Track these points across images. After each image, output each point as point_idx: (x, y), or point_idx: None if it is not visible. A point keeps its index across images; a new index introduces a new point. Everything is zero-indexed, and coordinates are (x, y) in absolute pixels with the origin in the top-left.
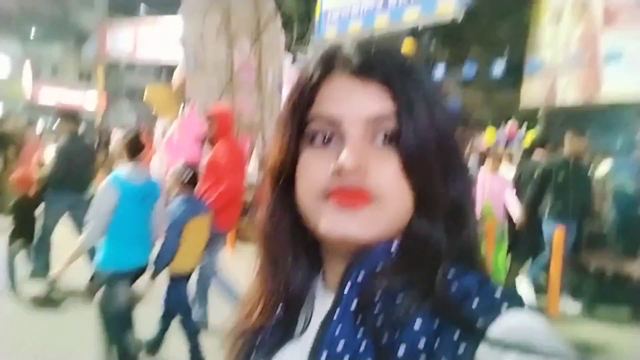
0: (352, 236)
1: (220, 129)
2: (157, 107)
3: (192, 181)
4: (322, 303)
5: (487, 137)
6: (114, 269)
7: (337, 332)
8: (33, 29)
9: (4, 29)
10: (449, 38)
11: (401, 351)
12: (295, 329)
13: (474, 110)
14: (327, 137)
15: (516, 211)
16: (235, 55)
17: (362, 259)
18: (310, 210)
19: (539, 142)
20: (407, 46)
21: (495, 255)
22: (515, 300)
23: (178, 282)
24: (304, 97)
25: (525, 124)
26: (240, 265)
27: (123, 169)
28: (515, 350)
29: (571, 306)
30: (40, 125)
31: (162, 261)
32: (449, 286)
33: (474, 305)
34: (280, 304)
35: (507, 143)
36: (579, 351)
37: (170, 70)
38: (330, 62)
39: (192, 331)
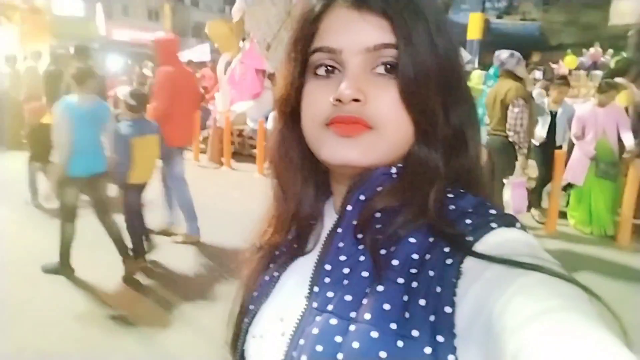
0: (352, 162)
1: (161, 55)
2: (219, 42)
3: (142, 104)
4: (330, 223)
5: (567, 63)
6: (79, 174)
7: (339, 245)
8: None
9: None
10: None
11: (395, 262)
12: (307, 245)
13: (555, 33)
14: (329, 68)
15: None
16: None
17: (364, 180)
18: (313, 138)
19: (621, 70)
20: None
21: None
22: (506, 219)
23: (133, 191)
24: (306, 30)
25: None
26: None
27: (73, 96)
28: (497, 263)
29: None
30: (116, 63)
31: (119, 174)
32: (446, 206)
33: (466, 223)
34: (293, 224)
35: (589, 69)
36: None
37: (233, 4)
38: None
39: (137, 231)
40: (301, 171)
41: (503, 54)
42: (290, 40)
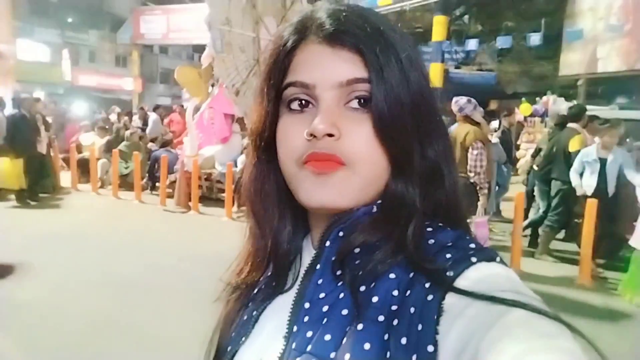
0: (329, 203)
1: None
2: (188, 87)
3: None
4: (309, 259)
5: (522, 111)
6: None
7: (318, 282)
8: (70, 18)
9: (43, 18)
10: (484, 10)
11: (375, 299)
12: (286, 283)
13: (510, 83)
14: (302, 102)
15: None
16: (262, 34)
17: (344, 218)
18: (291, 178)
19: (574, 116)
20: (439, 23)
21: None
22: (486, 254)
23: None
24: (279, 64)
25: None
26: None
27: None
28: (480, 299)
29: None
30: (82, 109)
31: None
32: (426, 240)
33: (446, 257)
34: (271, 261)
35: (543, 116)
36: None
37: (202, 52)
38: (303, 29)
39: None
40: (278, 206)
41: (461, 100)
42: (263, 74)
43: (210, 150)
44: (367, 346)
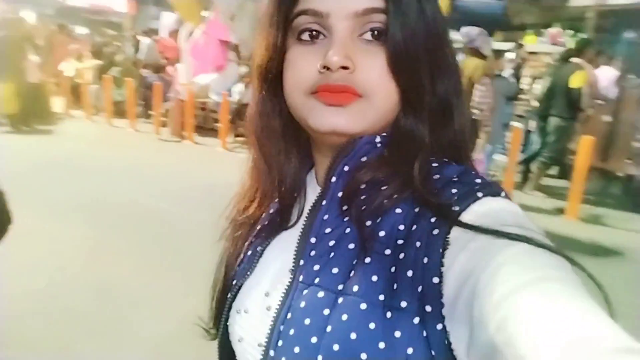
0: (341, 129)
1: None
2: (181, 11)
3: None
4: (313, 195)
5: (527, 42)
6: None
7: (324, 218)
8: None
9: None
10: None
11: (381, 233)
12: (289, 219)
13: (518, 13)
14: (314, 32)
15: None
16: None
17: (348, 150)
18: (298, 107)
19: (579, 50)
20: None
21: None
22: (491, 188)
23: None
24: None
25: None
26: None
27: None
28: (484, 233)
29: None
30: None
31: None
32: (431, 176)
33: (452, 192)
34: (275, 197)
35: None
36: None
37: None
38: None
39: None
40: (283, 140)
41: (472, 31)
42: (271, 3)
43: (205, 79)
44: (374, 278)
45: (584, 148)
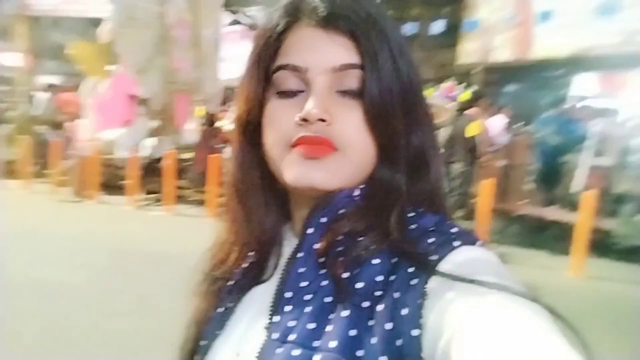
0: (318, 184)
1: None
2: (84, 65)
3: None
4: (290, 248)
5: (427, 96)
6: None
7: (300, 271)
8: None
9: None
10: None
11: (359, 285)
12: (264, 272)
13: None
14: (293, 87)
15: None
16: (169, 9)
17: (326, 203)
18: (276, 160)
19: (472, 101)
20: None
21: None
22: (468, 238)
23: None
24: (270, 47)
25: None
26: None
27: None
28: (461, 282)
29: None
30: None
31: None
32: (408, 226)
33: (429, 242)
34: (252, 250)
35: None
36: None
37: (99, 25)
38: (295, 12)
39: None
40: (262, 193)
41: None
42: (251, 57)
43: (110, 134)
44: (352, 332)
45: (485, 191)
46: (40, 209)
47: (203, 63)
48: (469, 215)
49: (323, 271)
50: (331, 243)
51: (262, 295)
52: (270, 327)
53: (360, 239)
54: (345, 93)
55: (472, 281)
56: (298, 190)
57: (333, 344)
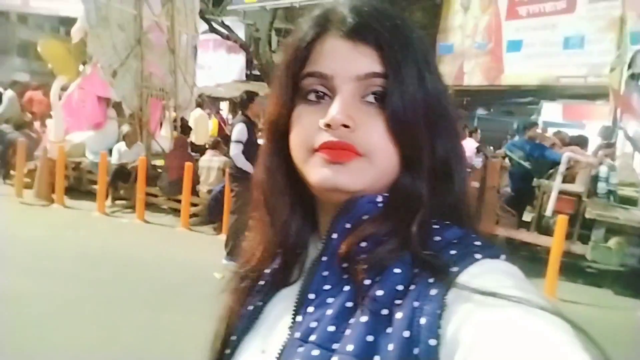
0: (342, 186)
1: None
2: (54, 63)
3: None
4: (314, 252)
5: None
6: None
7: (324, 274)
8: None
9: None
10: None
11: (379, 293)
12: (292, 276)
13: None
14: (319, 93)
15: None
16: (145, 13)
17: (350, 208)
18: (302, 162)
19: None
20: None
21: None
22: (491, 251)
23: None
24: (298, 56)
25: None
26: None
27: None
28: (481, 294)
29: None
30: None
31: None
32: (432, 237)
33: (451, 254)
34: (279, 252)
35: None
36: None
37: (69, 24)
38: (324, 23)
39: None
40: (288, 197)
41: None
42: (281, 65)
43: (79, 137)
44: (370, 338)
45: None
46: (1, 212)
47: (178, 69)
48: None
49: (345, 276)
50: (353, 248)
51: (288, 296)
52: (294, 326)
53: (382, 246)
54: (369, 102)
55: (492, 294)
56: (323, 193)
57: (350, 347)
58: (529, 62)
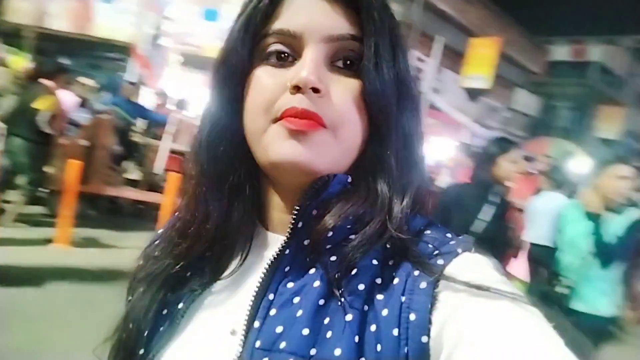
0: (304, 163)
1: None
2: None
3: None
4: (260, 245)
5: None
6: None
7: (285, 270)
8: None
9: None
10: None
11: (360, 287)
12: (224, 269)
13: None
14: (284, 54)
15: None
16: None
17: (319, 191)
18: (257, 134)
19: (52, 72)
20: None
21: None
22: (466, 244)
23: None
24: (261, 9)
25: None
26: None
27: None
28: (472, 289)
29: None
30: None
31: None
32: (403, 226)
33: (430, 246)
34: (209, 241)
35: None
36: None
37: None
38: None
39: None
40: (232, 173)
41: None
42: (239, 19)
43: None
44: (356, 339)
45: (70, 172)
46: None
47: None
48: (42, 201)
49: (313, 271)
50: (323, 239)
51: (221, 295)
52: (248, 334)
53: (356, 234)
54: (338, 67)
55: (484, 287)
56: (279, 173)
57: (338, 351)
58: (121, 18)
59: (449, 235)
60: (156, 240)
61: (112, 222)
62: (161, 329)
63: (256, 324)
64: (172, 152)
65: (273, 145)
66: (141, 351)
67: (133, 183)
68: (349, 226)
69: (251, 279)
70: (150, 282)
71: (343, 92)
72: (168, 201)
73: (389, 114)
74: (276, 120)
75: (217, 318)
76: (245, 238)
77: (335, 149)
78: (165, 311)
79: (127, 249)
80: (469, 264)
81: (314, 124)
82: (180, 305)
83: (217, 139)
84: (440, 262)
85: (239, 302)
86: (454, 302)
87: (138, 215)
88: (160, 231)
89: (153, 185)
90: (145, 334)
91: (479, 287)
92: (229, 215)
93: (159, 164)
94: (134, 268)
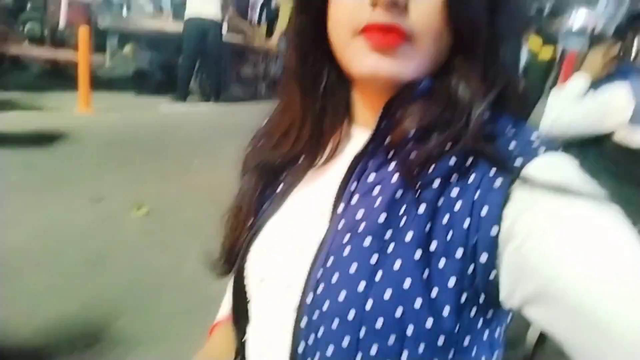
0: (384, 75)
1: None
2: None
3: None
4: (348, 137)
5: None
6: None
7: (369, 163)
8: None
9: None
10: None
11: (435, 184)
12: (318, 158)
13: None
14: None
15: None
16: None
17: (403, 96)
18: (341, 46)
19: None
20: None
21: None
22: (551, 144)
23: None
24: None
25: None
26: None
27: None
28: (550, 189)
29: None
30: None
31: None
32: (485, 126)
33: (511, 146)
34: (305, 135)
35: None
36: None
37: None
38: None
39: None
40: (325, 81)
41: None
42: None
43: None
44: (427, 228)
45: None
46: None
47: None
48: None
49: (393, 166)
50: (404, 138)
51: (319, 182)
52: (333, 216)
53: (435, 135)
54: None
55: (562, 187)
56: (366, 82)
57: (408, 237)
58: None
59: (532, 135)
60: (260, 133)
61: (19, 84)
62: (264, 206)
63: (340, 208)
64: (74, 3)
65: (356, 59)
66: (249, 222)
67: (38, 41)
68: (429, 128)
69: (338, 169)
70: (254, 169)
71: (425, 2)
72: (83, 57)
73: (477, 23)
74: (358, 34)
75: (309, 200)
76: (336, 133)
77: (417, 60)
78: (273, 191)
79: (42, 110)
80: (550, 165)
81: (395, 37)
82: (283, 188)
83: (308, 49)
84: (518, 161)
85: (327, 188)
86: (529, 198)
87: (49, 75)
88: (264, 122)
89: (60, 41)
90: (257, 208)
91: (558, 188)
92: (323, 116)
93: (62, 16)
94: (244, 155)
